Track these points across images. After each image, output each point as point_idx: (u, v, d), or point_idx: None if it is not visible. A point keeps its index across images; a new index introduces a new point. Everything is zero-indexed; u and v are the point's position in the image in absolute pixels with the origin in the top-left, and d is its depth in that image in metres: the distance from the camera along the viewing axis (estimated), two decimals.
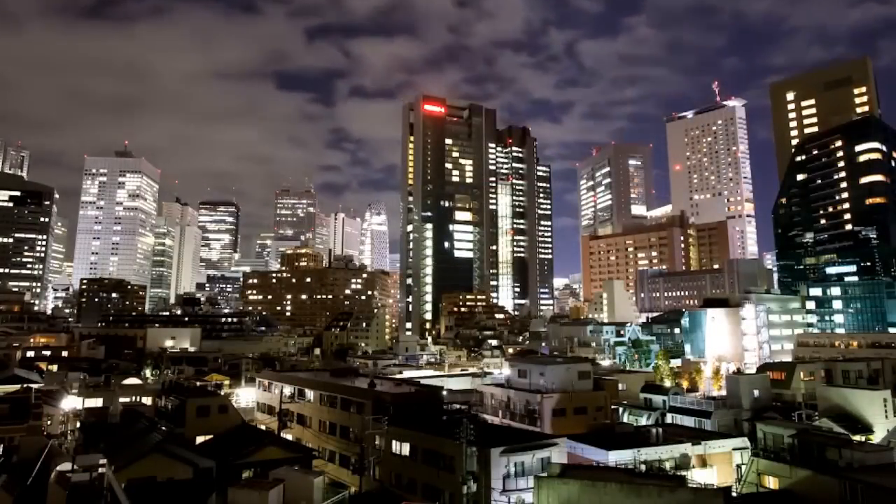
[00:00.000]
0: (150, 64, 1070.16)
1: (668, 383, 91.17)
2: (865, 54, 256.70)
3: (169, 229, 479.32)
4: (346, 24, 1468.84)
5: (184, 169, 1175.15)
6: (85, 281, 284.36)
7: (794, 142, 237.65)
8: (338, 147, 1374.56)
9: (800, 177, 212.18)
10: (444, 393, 68.75)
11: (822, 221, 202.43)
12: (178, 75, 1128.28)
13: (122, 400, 62.29)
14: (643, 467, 41.72)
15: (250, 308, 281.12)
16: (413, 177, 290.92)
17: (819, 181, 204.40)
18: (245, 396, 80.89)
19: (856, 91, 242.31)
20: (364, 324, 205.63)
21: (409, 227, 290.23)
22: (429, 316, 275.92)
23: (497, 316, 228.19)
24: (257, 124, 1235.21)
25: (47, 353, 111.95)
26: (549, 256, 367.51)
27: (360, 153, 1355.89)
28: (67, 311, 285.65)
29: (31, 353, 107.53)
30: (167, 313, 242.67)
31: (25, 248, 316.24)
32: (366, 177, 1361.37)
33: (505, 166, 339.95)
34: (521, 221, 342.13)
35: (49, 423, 58.13)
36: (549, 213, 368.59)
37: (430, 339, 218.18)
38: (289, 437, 59.14)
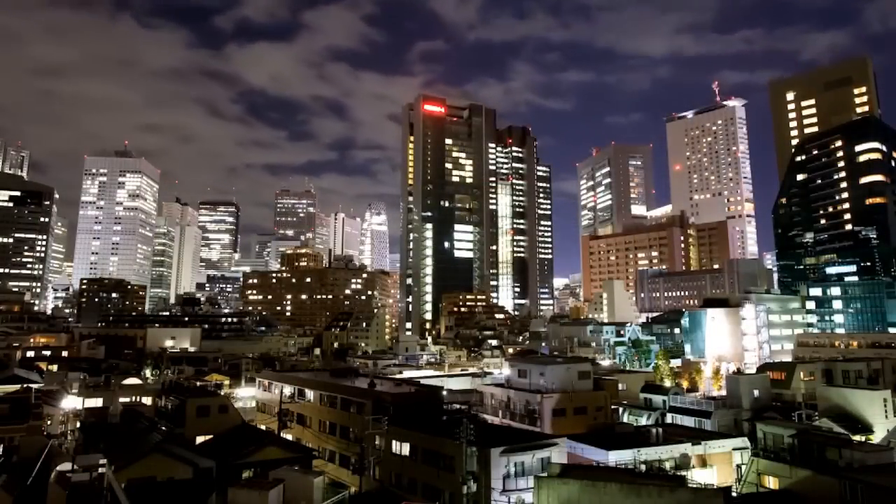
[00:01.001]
0: None
1: (668, 383, 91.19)
2: (865, 54, 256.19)
3: (169, 229, 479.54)
4: None
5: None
6: (85, 281, 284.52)
7: (794, 142, 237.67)
8: (259, 114, 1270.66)
9: (800, 177, 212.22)
10: (444, 393, 68.75)
11: (822, 221, 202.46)
12: None
13: (122, 400, 62.26)
14: (643, 467, 41.73)
15: (250, 308, 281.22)
16: (413, 177, 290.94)
17: (819, 181, 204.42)
18: (245, 396, 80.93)
19: (856, 91, 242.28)
20: (364, 324, 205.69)
21: (410, 227, 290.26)
22: (429, 316, 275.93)
23: (497, 316, 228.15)
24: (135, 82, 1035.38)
25: (47, 353, 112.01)
26: (549, 256, 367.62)
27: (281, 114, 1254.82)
28: (67, 311, 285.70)
29: (31, 353, 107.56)
30: (167, 313, 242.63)
31: (25, 248, 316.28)
32: (310, 151, 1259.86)
33: (505, 166, 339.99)
34: (521, 221, 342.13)
35: (49, 423, 58.14)
36: (549, 213, 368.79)
37: (430, 339, 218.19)
38: (289, 437, 59.13)
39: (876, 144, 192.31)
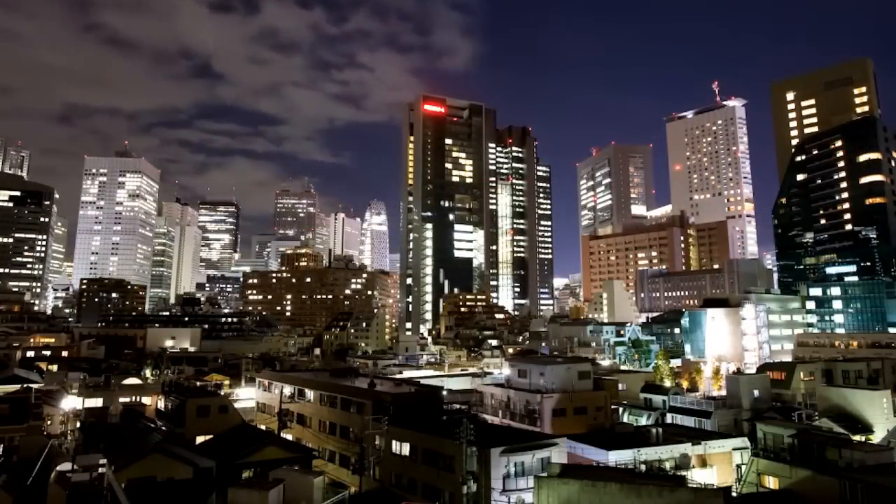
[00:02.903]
0: None
1: (668, 383, 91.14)
2: (865, 55, 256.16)
3: (169, 229, 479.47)
4: None
5: None
6: (85, 281, 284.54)
7: (794, 142, 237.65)
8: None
9: (800, 177, 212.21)
10: (444, 393, 68.74)
11: (822, 221, 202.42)
12: None
13: (122, 400, 62.32)
14: (643, 467, 41.74)
15: (250, 308, 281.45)
16: (413, 177, 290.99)
17: (819, 181, 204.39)
18: (245, 396, 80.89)
19: (856, 91, 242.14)
20: (364, 324, 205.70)
21: (410, 227, 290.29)
22: (429, 316, 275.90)
23: (497, 316, 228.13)
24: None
25: (47, 353, 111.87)
26: (549, 256, 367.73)
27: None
28: (67, 311, 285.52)
29: (31, 353, 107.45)
30: (167, 313, 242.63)
31: (25, 248, 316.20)
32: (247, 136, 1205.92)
33: (505, 166, 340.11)
34: (521, 221, 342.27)
35: (49, 423, 58.15)
36: (549, 213, 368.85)
37: (430, 339, 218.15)
38: (289, 437, 59.13)
39: (876, 144, 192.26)
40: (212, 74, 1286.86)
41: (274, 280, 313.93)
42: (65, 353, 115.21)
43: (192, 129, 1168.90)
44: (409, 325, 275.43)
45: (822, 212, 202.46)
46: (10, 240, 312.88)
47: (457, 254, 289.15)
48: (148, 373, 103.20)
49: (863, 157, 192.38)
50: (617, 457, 42.43)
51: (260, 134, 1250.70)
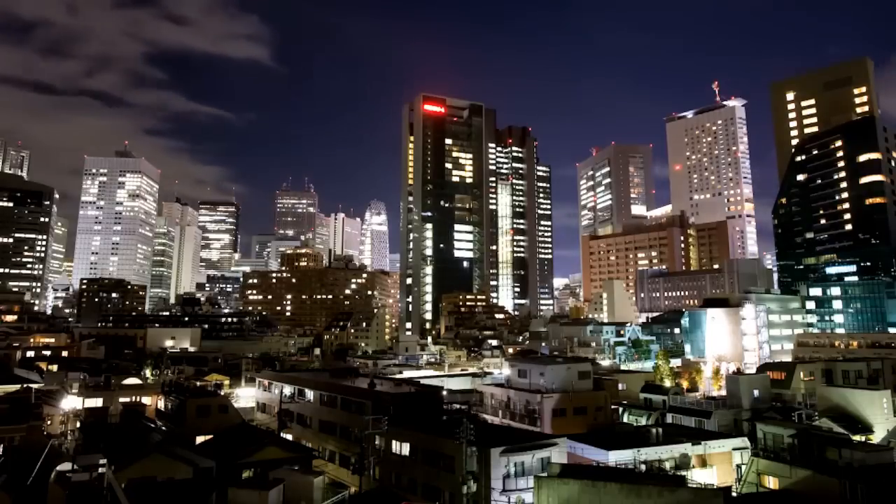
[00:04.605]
0: None
1: (668, 383, 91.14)
2: (865, 55, 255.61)
3: (169, 229, 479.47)
4: None
5: None
6: (85, 281, 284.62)
7: (794, 142, 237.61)
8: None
9: (800, 177, 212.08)
10: (444, 393, 68.76)
11: (822, 221, 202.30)
12: None
13: (122, 400, 62.34)
14: (643, 467, 41.73)
15: (250, 308, 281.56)
16: (413, 177, 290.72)
17: (819, 181, 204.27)
18: (245, 396, 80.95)
19: (856, 91, 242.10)
20: (364, 324, 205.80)
21: (410, 227, 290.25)
22: (429, 316, 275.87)
23: (497, 316, 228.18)
24: None
25: (47, 353, 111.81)
26: (549, 256, 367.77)
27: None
28: (67, 311, 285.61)
29: (31, 353, 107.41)
30: (167, 313, 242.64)
31: (25, 248, 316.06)
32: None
33: (505, 166, 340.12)
34: (521, 221, 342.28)
35: (49, 423, 58.12)
36: (549, 213, 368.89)
37: (430, 339, 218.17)
38: (289, 437, 59.17)
39: (876, 144, 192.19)
40: None
41: (274, 280, 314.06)
42: (65, 353, 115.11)
43: None
44: (409, 325, 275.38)
45: (822, 212, 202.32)
46: (10, 240, 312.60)
47: (457, 254, 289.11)
48: (148, 373, 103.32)
49: (863, 157, 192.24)
50: (617, 457, 42.40)
51: None
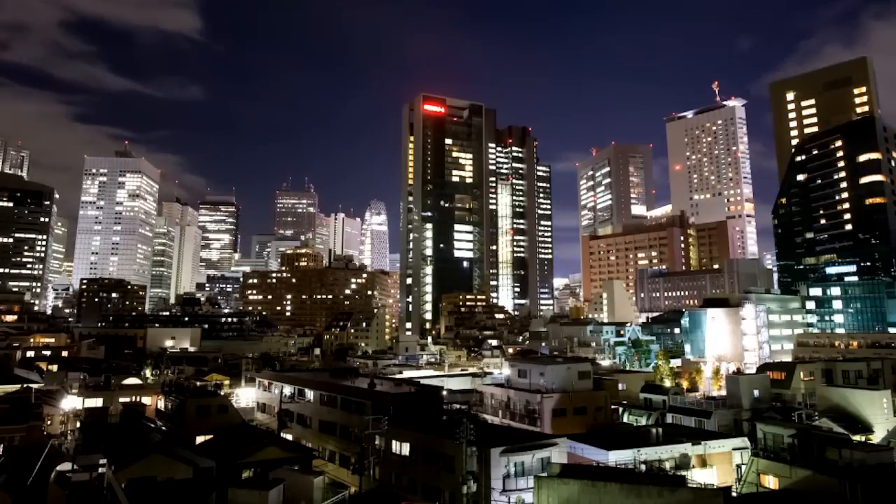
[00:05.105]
0: None
1: (668, 383, 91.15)
2: (865, 55, 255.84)
3: (169, 229, 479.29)
4: None
5: None
6: (85, 281, 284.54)
7: (794, 142, 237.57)
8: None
9: (800, 177, 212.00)
10: (444, 393, 68.74)
11: (822, 221, 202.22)
12: None
13: (122, 400, 62.34)
14: (643, 467, 41.72)
15: (250, 308, 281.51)
16: (413, 177, 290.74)
17: (819, 181, 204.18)
18: (245, 396, 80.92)
19: (856, 91, 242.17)
20: (364, 324, 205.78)
21: (409, 227, 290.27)
22: (429, 316, 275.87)
23: (497, 316, 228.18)
24: None
25: (47, 353, 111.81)
26: (549, 256, 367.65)
27: None
28: (67, 311, 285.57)
29: (31, 353, 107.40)
30: (167, 313, 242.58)
31: (25, 248, 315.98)
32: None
33: (505, 166, 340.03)
34: (521, 221, 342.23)
35: (49, 423, 58.12)
36: (549, 213, 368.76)
37: (430, 339, 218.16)
38: (289, 437, 59.17)
39: (876, 144, 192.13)
40: None
41: (274, 280, 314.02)
42: (65, 353, 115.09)
43: None
44: (409, 325, 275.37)
45: (822, 212, 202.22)
46: (10, 240, 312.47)
47: (457, 254, 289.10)
48: (148, 373, 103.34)
49: (863, 157, 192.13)
50: (617, 457, 42.40)
51: None
